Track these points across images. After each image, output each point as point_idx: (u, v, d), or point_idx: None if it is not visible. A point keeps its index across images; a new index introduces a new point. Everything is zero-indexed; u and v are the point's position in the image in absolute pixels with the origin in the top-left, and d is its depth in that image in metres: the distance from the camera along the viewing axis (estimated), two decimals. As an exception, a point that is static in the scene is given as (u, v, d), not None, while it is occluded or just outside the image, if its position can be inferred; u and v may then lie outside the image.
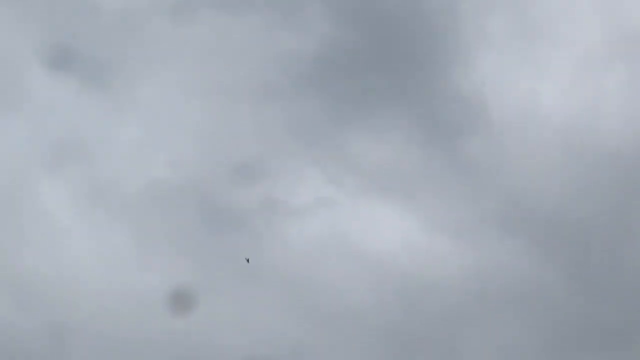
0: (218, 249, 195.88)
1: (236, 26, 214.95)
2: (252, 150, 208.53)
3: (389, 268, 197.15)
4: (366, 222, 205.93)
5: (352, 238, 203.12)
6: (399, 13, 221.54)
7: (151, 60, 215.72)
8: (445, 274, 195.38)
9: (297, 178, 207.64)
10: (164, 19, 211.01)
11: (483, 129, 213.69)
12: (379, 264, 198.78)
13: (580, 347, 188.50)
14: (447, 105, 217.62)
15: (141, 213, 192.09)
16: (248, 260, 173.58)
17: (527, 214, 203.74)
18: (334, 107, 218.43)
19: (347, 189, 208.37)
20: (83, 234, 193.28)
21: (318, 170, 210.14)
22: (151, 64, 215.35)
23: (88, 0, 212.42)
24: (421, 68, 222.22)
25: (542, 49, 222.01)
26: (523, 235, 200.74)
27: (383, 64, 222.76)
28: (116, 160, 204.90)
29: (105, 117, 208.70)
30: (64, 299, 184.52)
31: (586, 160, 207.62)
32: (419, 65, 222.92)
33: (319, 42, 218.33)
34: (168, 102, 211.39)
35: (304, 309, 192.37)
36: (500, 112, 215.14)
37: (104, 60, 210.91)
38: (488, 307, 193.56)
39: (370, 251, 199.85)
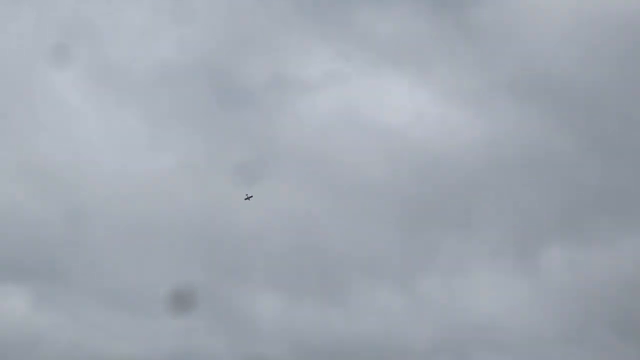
0: (229, 126, 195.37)
1: None
2: (261, 27, 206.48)
3: (401, 140, 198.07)
4: (377, 95, 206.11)
5: (363, 112, 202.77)
6: None
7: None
8: (458, 143, 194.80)
9: (306, 53, 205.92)
10: None
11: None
12: (391, 136, 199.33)
13: (594, 209, 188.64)
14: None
15: (151, 93, 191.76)
16: (248, 197, 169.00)
17: (539, 80, 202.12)
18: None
19: (357, 62, 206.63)
20: (94, 117, 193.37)
21: (327, 45, 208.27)
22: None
23: None
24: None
25: None
26: (535, 102, 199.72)
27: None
28: (125, 42, 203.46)
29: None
30: (78, 184, 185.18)
31: (598, 26, 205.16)
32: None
33: None
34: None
35: (318, 184, 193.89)
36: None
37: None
38: (502, 174, 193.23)
39: (382, 124, 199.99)
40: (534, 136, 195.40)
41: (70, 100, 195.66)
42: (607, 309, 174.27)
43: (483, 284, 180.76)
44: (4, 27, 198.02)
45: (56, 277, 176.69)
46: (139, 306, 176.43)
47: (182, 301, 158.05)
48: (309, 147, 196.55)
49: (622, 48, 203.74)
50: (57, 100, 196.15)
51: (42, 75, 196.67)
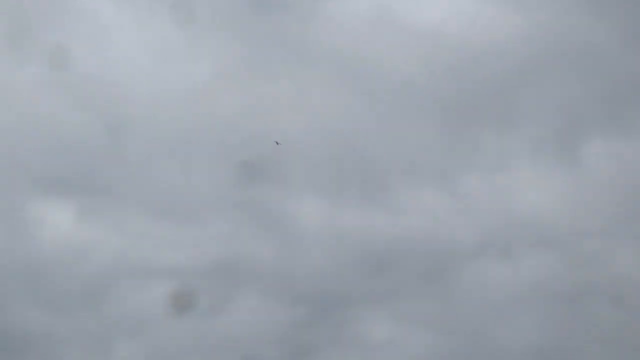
0: (266, 31, 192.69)
1: None
2: None
3: (437, 38, 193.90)
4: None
5: (399, 11, 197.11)
6: None
7: None
8: (496, 39, 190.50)
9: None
10: None
11: None
12: (428, 35, 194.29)
13: (636, 100, 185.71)
14: None
15: (185, 1, 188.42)
16: (278, 143, 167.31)
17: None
18: None
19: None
20: (129, 28, 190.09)
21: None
22: None
23: None
24: None
25: None
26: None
27: None
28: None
29: None
30: (116, 96, 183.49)
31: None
32: None
33: None
34: None
35: (354, 86, 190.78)
36: None
37: None
38: (541, 68, 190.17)
39: (417, 23, 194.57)
40: (573, 28, 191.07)
41: (104, 11, 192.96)
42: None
43: (525, 180, 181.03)
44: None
45: (99, 190, 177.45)
46: (183, 215, 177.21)
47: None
48: (344, 50, 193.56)
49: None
50: (90, 12, 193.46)
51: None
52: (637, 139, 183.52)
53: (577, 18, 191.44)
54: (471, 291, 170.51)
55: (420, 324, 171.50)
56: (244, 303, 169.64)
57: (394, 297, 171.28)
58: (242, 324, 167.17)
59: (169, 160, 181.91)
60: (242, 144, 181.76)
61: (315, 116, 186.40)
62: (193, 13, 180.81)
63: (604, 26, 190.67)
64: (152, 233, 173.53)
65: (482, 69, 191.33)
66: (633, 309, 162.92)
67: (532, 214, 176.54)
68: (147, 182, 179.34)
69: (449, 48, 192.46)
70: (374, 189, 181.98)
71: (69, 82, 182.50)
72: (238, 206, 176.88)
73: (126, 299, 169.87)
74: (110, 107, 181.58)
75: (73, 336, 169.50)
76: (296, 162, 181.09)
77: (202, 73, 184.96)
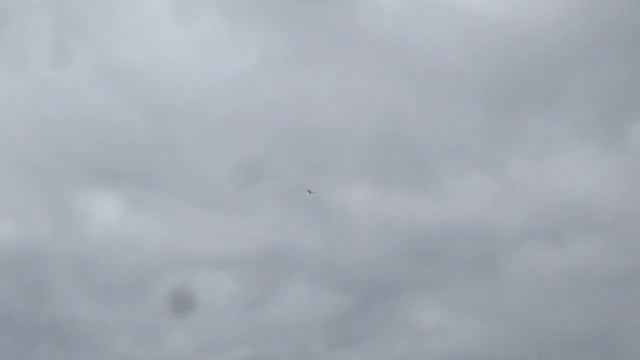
0: (310, 18, 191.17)
1: None
2: None
3: (481, 22, 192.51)
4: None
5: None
6: None
7: None
8: (542, 22, 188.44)
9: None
10: None
11: None
12: (470, 19, 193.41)
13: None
14: None
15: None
16: (310, 192, 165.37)
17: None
18: None
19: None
20: (173, 18, 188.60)
21: None
22: None
23: None
24: None
25: None
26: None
27: None
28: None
29: None
30: (162, 87, 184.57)
31: None
32: None
33: None
34: None
35: (398, 72, 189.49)
36: None
37: None
38: (587, 51, 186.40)
39: (462, 7, 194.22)
40: (621, 12, 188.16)
41: (149, 4, 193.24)
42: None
43: (572, 163, 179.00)
44: None
45: (148, 180, 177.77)
46: (231, 204, 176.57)
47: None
48: (388, 36, 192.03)
49: None
50: (136, 5, 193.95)
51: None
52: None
53: (625, 1, 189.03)
54: (520, 277, 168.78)
55: (469, 310, 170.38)
56: (293, 292, 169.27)
57: (442, 283, 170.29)
58: (291, 312, 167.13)
59: (216, 149, 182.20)
60: (289, 131, 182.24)
61: (361, 103, 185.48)
62: (237, 3, 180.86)
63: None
64: (200, 223, 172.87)
65: (528, 52, 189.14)
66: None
67: (579, 197, 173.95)
68: (195, 172, 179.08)
69: (493, 31, 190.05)
70: (420, 175, 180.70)
71: (117, 74, 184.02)
72: (285, 194, 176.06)
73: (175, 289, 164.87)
74: (158, 98, 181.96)
75: (122, 326, 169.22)
76: (342, 150, 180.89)
77: (248, 62, 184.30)
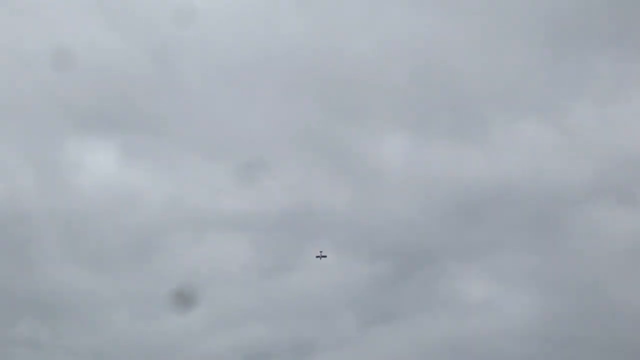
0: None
1: None
2: None
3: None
4: None
5: None
6: None
7: None
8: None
9: None
10: None
11: None
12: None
13: None
14: None
15: None
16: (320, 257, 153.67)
17: None
18: None
19: None
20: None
21: None
22: None
23: None
24: None
25: None
26: None
27: None
28: None
29: None
30: (164, 16, 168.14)
31: None
32: None
33: None
34: None
35: (442, 3, 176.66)
36: None
37: None
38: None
39: None
40: None
41: None
42: None
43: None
44: None
45: (147, 128, 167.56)
46: (245, 156, 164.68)
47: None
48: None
49: None
50: None
51: None
52: None
53: None
54: (584, 242, 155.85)
55: (522, 281, 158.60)
56: (317, 260, 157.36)
57: (490, 250, 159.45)
58: (316, 282, 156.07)
59: (225, 93, 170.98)
60: (311, 71, 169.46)
61: (395, 37, 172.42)
62: None
63: None
64: (208, 178, 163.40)
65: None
66: None
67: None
68: (203, 118, 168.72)
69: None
70: (466, 123, 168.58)
71: (111, 2, 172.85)
72: (309, 145, 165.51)
73: (179, 255, 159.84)
74: (156, 30, 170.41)
75: (118, 298, 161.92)
76: (374, 93, 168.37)
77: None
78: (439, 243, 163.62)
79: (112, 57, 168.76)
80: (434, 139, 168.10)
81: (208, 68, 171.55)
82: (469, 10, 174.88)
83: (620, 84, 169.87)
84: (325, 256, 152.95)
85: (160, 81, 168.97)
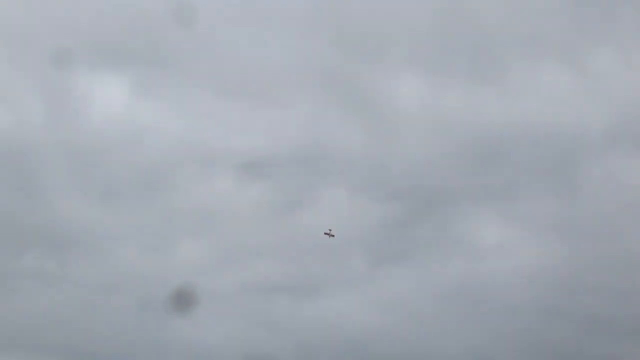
0: None
1: None
2: None
3: None
4: None
5: None
6: None
7: None
8: None
9: None
10: None
11: None
12: None
13: None
14: None
15: None
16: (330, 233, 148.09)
17: None
18: None
19: None
20: None
21: None
22: None
23: None
24: None
25: None
26: None
27: None
28: None
29: None
30: None
31: None
32: None
33: None
34: None
35: None
36: None
37: None
38: None
39: None
40: None
41: None
42: None
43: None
44: None
45: (158, 62, 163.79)
46: (257, 92, 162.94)
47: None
48: None
49: None
50: None
51: None
52: None
53: None
54: (601, 189, 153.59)
55: (538, 226, 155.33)
56: (330, 199, 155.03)
57: (506, 194, 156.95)
58: (327, 223, 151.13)
59: (243, 28, 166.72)
60: (326, 10, 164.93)
61: None
62: None
63: None
64: (220, 113, 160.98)
65: None
66: None
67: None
68: (217, 54, 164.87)
69: None
70: (484, 65, 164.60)
71: None
72: (323, 84, 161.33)
73: (190, 190, 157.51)
74: None
75: (128, 231, 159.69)
76: (391, 33, 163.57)
77: None
78: (454, 186, 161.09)
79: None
80: (451, 80, 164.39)
81: (223, 4, 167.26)
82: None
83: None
84: (333, 235, 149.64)
85: (174, 16, 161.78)
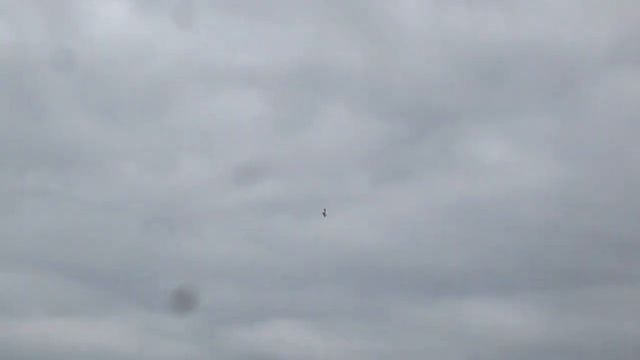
0: None
1: None
2: None
3: None
4: None
5: None
6: None
7: None
8: None
9: None
10: None
11: None
12: None
13: None
14: None
15: None
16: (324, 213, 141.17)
17: None
18: None
19: None
20: None
21: None
22: None
23: None
24: None
25: None
26: None
27: None
28: None
29: None
30: None
31: None
32: None
33: None
34: None
35: None
36: None
37: None
38: None
39: None
40: None
41: None
42: None
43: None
44: None
45: None
46: (260, 9, 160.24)
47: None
48: None
49: None
50: None
51: None
52: None
53: None
54: (603, 107, 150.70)
55: (540, 144, 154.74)
56: (332, 116, 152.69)
57: (509, 112, 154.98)
58: (329, 141, 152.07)
59: None
60: None
61: None
62: None
63: None
64: (221, 30, 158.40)
65: None
66: None
67: None
68: None
69: None
70: None
71: None
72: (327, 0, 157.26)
73: (192, 107, 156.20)
74: None
75: (131, 149, 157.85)
76: None
77: None
78: (457, 104, 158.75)
79: None
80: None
81: None
82: None
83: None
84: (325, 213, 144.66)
85: None
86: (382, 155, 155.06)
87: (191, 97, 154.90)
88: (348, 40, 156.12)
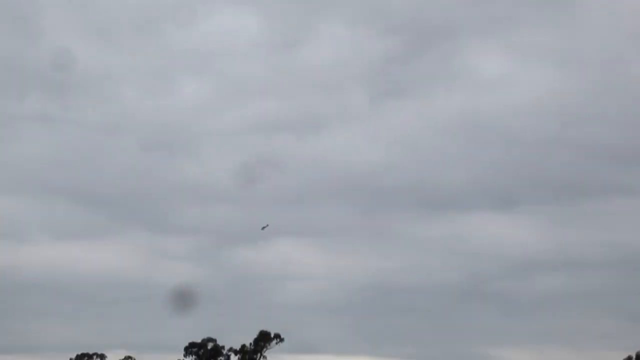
0: None
1: None
2: None
3: None
4: None
5: None
6: None
7: None
8: None
9: None
10: None
11: None
12: None
13: None
14: None
15: None
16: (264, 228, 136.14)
17: None
18: None
19: None
20: None
21: None
22: None
23: None
24: None
25: None
26: None
27: None
28: None
29: None
30: None
31: None
32: None
33: None
34: None
35: None
36: None
37: None
38: None
39: None
40: None
41: None
42: None
43: None
44: None
45: None
46: None
47: None
48: None
49: None
50: None
51: None
52: None
53: None
54: (601, 18, 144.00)
55: (539, 56, 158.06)
56: (328, 33, 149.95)
57: (506, 25, 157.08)
58: (325, 57, 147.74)
59: None
60: None
61: None
62: None
63: None
64: None
65: None
66: None
67: None
68: None
69: None
70: None
71: None
72: None
73: (188, 28, 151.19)
74: None
75: (129, 71, 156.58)
76: None
77: None
78: (454, 17, 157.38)
79: None
80: None
81: None
82: None
83: None
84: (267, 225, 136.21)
85: None
86: (380, 72, 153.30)
87: (187, 15, 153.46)
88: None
